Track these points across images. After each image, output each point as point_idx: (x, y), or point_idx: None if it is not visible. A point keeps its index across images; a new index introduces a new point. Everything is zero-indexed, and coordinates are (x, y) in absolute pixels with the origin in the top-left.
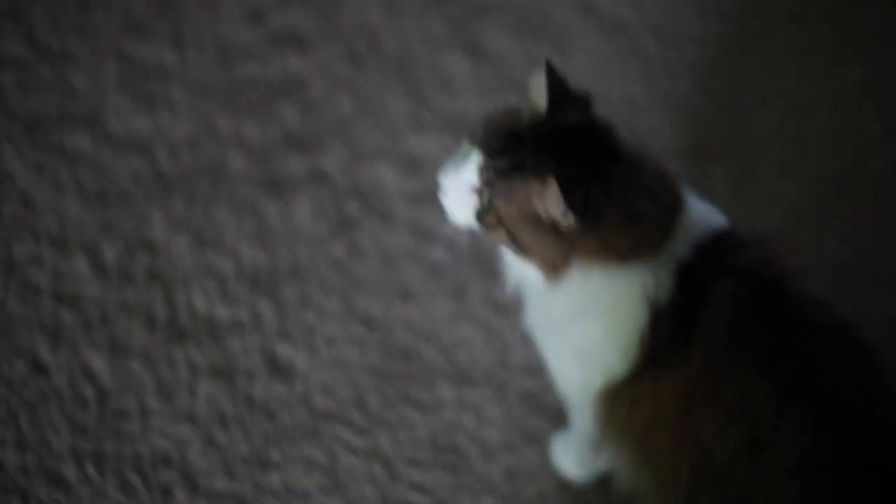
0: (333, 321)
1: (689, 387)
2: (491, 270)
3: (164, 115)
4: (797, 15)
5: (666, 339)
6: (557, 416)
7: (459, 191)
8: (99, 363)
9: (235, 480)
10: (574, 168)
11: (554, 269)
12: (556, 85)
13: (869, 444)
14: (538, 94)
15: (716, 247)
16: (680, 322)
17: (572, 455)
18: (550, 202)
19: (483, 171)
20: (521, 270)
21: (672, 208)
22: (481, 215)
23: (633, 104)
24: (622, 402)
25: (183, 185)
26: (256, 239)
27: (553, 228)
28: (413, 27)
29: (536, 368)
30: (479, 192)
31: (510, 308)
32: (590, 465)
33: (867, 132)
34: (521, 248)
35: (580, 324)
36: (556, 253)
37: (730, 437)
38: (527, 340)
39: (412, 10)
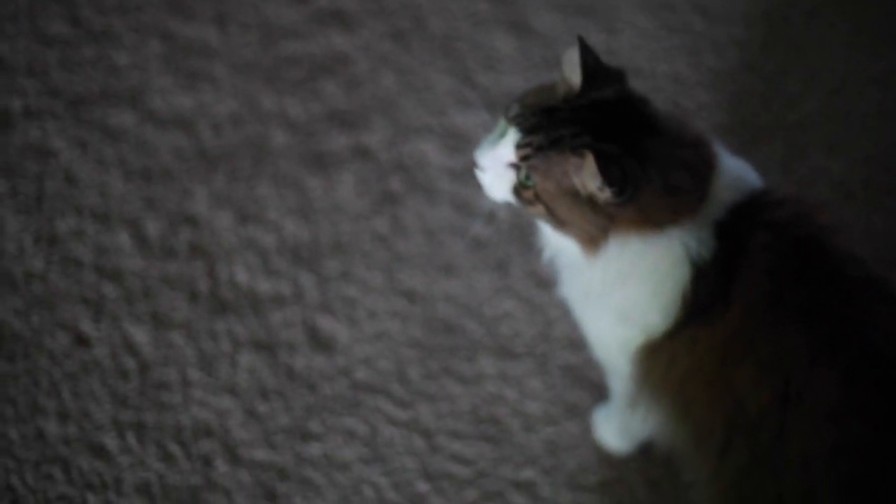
0: (376, 295)
1: (727, 341)
2: (533, 245)
3: (207, 93)
4: None
5: (706, 296)
6: (599, 389)
7: (497, 167)
8: (141, 336)
9: (276, 451)
10: (610, 143)
11: (592, 242)
12: (590, 60)
13: None
14: (572, 71)
15: (752, 205)
16: (719, 279)
17: (613, 427)
18: (587, 177)
19: (520, 147)
20: (558, 242)
21: (707, 175)
22: (519, 191)
23: (681, 81)
24: (660, 357)
25: (225, 161)
26: (299, 213)
27: (590, 203)
28: (458, 5)
29: (578, 342)
30: (517, 168)
31: (552, 282)
32: (631, 436)
33: None
34: (558, 223)
35: (621, 287)
36: (594, 226)
37: (763, 389)
38: (569, 314)
39: None
